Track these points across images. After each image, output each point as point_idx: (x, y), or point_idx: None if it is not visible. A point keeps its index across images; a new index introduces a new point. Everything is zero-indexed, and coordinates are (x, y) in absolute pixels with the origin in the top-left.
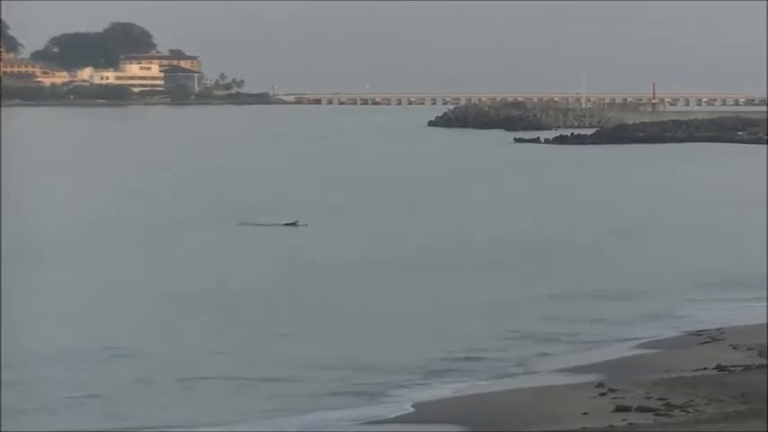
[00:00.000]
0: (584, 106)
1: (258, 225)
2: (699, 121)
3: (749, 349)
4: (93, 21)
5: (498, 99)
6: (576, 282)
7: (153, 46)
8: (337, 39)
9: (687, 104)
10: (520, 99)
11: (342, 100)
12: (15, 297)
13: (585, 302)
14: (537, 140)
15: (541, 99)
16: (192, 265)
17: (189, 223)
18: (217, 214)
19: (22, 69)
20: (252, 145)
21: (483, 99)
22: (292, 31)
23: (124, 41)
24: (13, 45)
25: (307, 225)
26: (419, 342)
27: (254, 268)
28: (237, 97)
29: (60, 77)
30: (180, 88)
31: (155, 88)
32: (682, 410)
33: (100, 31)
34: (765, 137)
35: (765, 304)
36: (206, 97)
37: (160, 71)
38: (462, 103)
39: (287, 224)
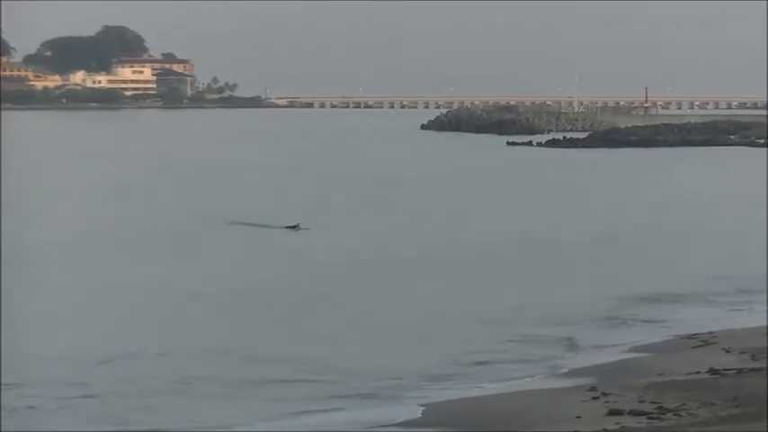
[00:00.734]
0: (576, 110)
1: (256, 226)
2: (691, 124)
3: (742, 353)
4: (85, 24)
5: (491, 103)
6: (574, 282)
7: (145, 50)
8: (330, 41)
9: (680, 108)
10: (512, 103)
11: (334, 103)
12: (15, 297)
13: (584, 303)
14: (529, 144)
15: (534, 103)
16: (192, 265)
17: (189, 224)
18: (217, 215)
19: (15, 73)
20: (250, 146)
21: (475, 103)
22: (286, 34)
23: (117, 45)
24: (5, 49)
25: (308, 229)
26: (419, 344)
27: (254, 268)
28: (230, 101)
29: (53, 81)
30: (172, 92)
31: (147, 92)
32: (674, 414)
33: (92, 34)
34: (757, 140)
35: (759, 308)
36: (198, 101)
37: (152, 75)
38: (455, 106)
39: (288, 227)
